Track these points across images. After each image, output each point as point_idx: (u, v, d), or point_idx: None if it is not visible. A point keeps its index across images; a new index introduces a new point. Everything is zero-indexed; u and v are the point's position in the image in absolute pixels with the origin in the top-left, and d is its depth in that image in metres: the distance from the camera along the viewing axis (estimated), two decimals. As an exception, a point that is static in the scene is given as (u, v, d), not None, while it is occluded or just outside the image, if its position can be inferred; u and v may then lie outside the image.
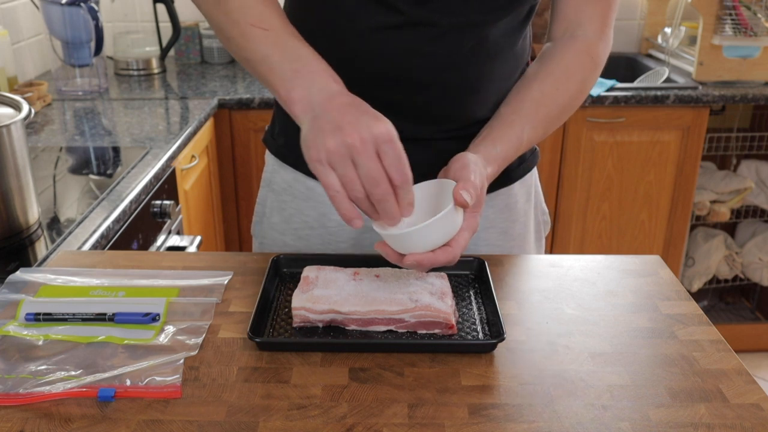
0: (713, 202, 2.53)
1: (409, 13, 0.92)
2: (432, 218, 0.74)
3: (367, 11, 0.93)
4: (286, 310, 0.84)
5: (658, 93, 2.19)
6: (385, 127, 0.75)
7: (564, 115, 0.99)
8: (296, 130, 0.84)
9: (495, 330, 0.80)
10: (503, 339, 0.77)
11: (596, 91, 2.19)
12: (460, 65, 0.97)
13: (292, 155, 1.07)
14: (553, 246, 2.41)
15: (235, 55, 0.91)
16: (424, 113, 1.00)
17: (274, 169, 1.12)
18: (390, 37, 0.94)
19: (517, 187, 1.10)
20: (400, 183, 0.74)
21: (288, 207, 1.10)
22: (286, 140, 1.08)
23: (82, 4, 2.05)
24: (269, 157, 1.14)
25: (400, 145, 0.74)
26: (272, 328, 0.82)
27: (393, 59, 0.95)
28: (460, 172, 0.81)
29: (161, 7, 2.43)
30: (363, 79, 0.96)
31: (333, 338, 0.79)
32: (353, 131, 0.73)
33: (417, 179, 1.02)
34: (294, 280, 0.90)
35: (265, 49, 0.85)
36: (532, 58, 1.07)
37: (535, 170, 1.15)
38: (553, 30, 1.03)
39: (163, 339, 0.79)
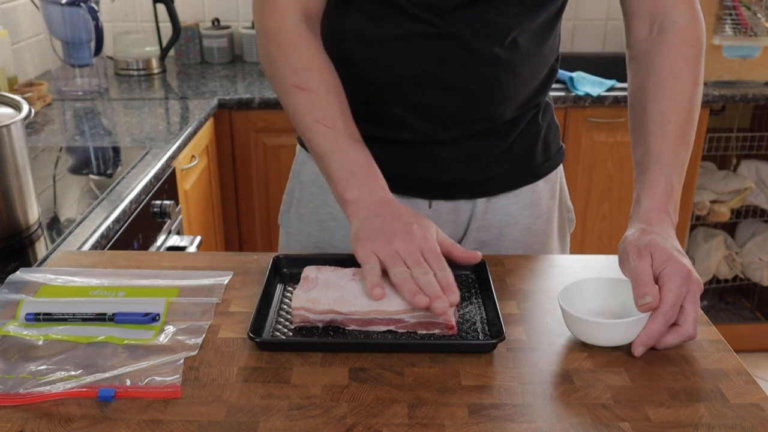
0: (713, 202, 2.53)
1: (436, 24, 0.94)
2: (635, 317, 0.76)
3: (396, 22, 0.95)
4: (286, 310, 0.84)
5: (658, 93, 2.19)
6: (431, 236, 0.84)
7: (693, 115, 0.94)
8: None
9: (495, 330, 0.79)
10: (503, 339, 0.77)
11: (596, 91, 2.19)
12: (491, 71, 0.97)
13: None
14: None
15: (303, 139, 0.99)
16: (454, 116, 1.01)
17: (303, 161, 1.14)
18: (420, 44, 0.95)
19: (541, 184, 1.11)
20: (442, 279, 0.80)
21: (315, 198, 1.12)
22: None
23: (82, 4, 2.05)
24: (299, 149, 1.16)
25: (438, 248, 0.83)
26: (272, 328, 0.82)
27: (424, 66, 0.96)
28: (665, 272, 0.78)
29: (161, 7, 2.43)
30: (394, 83, 0.98)
31: (333, 338, 0.79)
32: (406, 239, 0.83)
33: (443, 177, 1.04)
34: (294, 280, 0.90)
35: (327, 145, 0.93)
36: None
37: (560, 168, 1.14)
38: (635, 32, 0.99)
39: (163, 339, 0.79)
